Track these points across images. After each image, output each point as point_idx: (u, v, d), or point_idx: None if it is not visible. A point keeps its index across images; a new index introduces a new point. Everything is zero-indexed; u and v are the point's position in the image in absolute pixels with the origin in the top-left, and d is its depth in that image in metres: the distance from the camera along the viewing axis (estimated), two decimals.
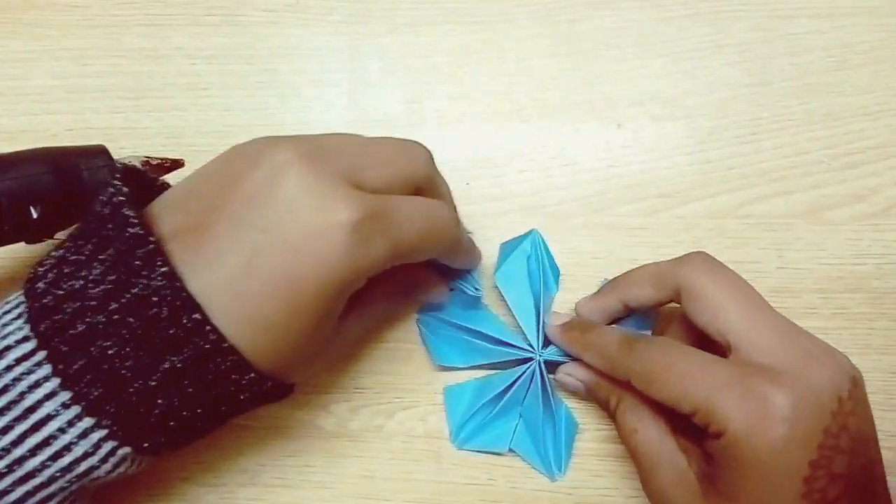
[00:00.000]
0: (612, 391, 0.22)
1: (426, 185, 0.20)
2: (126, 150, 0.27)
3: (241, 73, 0.28)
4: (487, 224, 0.27)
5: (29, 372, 0.16)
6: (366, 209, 0.17)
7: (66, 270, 0.17)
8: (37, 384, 0.16)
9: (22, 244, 0.22)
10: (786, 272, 0.26)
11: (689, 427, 0.20)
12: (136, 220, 0.17)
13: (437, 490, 0.25)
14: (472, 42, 0.28)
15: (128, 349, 0.16)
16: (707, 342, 0.20)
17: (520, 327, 0.24)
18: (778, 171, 0.27)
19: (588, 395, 0.23)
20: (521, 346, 0.24)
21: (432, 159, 0.21)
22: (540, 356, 0.24)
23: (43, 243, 0.23)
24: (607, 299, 0.24)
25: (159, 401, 0.17)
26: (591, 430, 0.25)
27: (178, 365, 0.17)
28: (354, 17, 0.28)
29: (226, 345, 0.17)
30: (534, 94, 0.28)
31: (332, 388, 0.26)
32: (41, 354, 0.16)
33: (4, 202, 0.21)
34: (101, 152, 0.23)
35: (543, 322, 0.24)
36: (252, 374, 0.17)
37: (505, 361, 0.24)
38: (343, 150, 0.18)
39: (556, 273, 0.26)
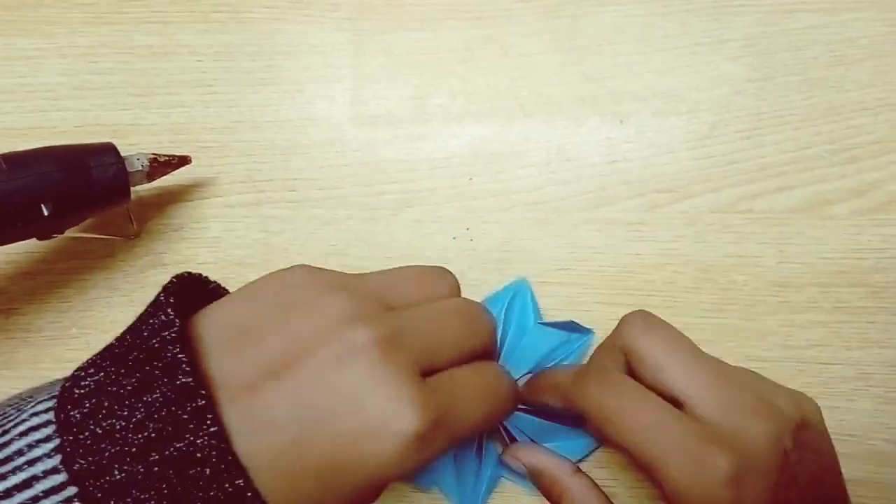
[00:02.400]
0: (554, 482, 0.22)
1: (488, 349, 0.19)
2: (134, 146, 0.27)
3: (247, 69, 0.28)
4: (489, 220, 0.27)
5: None
6: (431, 415, 0.16)
7: (105, 403, 0.16)
8: None
9: (33, 240, 0.23)
10: (787, 267, 0.26)
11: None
12: (188, 368, 0.15)
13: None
14: (475, 38, 0.28)
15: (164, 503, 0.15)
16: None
17: None
18: (779, 166, 0.27)
19: (531, 481, 0.23)
20: None
21: (496, 327, 0.20)
22: None
23: (54, 239, 0.24)
24: (528, 396, 0.23)
25: None
26: None
27: None
28: (358, 13, 0.29)
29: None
30: (536, 90, 0.28)
31: None
32: (72, 490, 0.15)
33: (16, 200, 0.21)
34: (109, 150, 0.24)
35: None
36: None
37: None
38: (418, 329, 0.17)
39: (528, 325, 0.25)
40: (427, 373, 0.17)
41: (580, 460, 0.24)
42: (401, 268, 0.20)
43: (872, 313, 0.26)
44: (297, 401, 0.16)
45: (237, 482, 0.15)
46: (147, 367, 0.16)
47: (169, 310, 0.16)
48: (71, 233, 0.24)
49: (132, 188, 0.24)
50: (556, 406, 0.22)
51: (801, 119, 0.27)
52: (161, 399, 0.15)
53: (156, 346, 0.16)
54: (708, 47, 0.28)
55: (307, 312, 0.17)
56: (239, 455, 0.15)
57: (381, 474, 0.16)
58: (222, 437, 0.15)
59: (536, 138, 0.27)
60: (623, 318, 0.21)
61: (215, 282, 0.19)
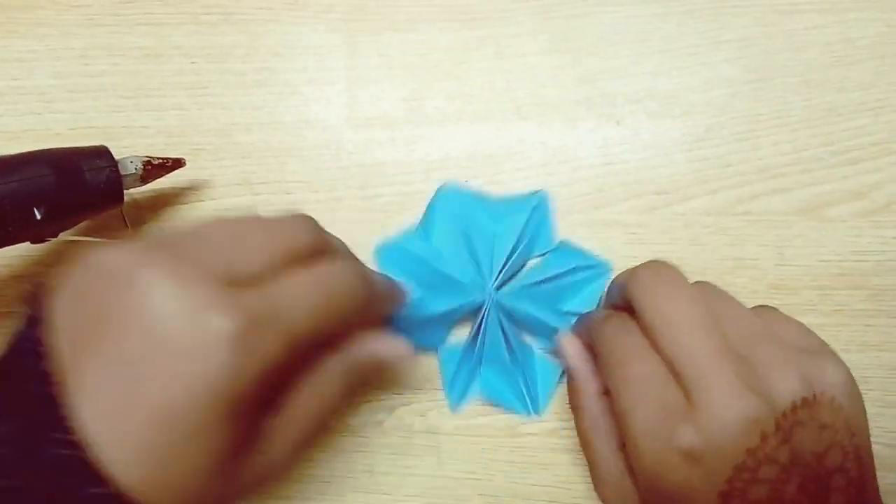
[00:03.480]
0: (578, 391, 0.23)
1: (315, 251, 0.18)
2: (128, 148, 0.27)
3: (240, 71, 0.28)
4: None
5: None
6: (244, 309, 0.15)
7: None
8: None
9: (27, 243, 0.23)
10: (785, 269, 0.26)
11: None
12: (47, 376, 0.15)
13: (436, 484, 0.25)
14: (470, 39, 0.28)
15: None
16: None
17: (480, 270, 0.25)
18: (777, 167, 0.27)
19: (567, 380, 0.24)
20: (467, 282, 0.24)
21: (316, 224, 0.19)
22: (491, 295, 0.25)
23: (48, 243, 0.24)
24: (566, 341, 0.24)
25: None
26: None
27: None
28: (352, 14, 0.28)
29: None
30: (532, 91, 0.28)
31: None
32: None
33: (8, 204, 0.21)
34: (102, 153, 0.24)
35: (507, 268, 0.25)
36: None
37: (464, 308, 0.25)
38: (210, 243, 0.16)
39: (548, 241, 0.26)
40: (235, 284, 0.15)
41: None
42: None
43: (871, 316, 0.26)
44: (110, 357, 0.15)
45: (94, 490, 0.14)
46: (10, 383, 0.15)
47: (25, 323, 0.16)
48: (65, 236, 0.24)
49: (126, 191, 0.24)
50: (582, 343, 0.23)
51: (799, 120, 0.27)
52: (23, 411, 0.15)
53: (15, 360, 0.16)
54: (705, 48, 0.27)
55: (99, 274, 0.16)
56: (98, 452, 0.14)
57: (218, 393, 0.15)
58: (74, 445, 0.14)
59: (532, 140, 0.27)
60: (634, 270, 0.21)
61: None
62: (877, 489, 0.19)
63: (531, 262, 0.26)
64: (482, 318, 0.24)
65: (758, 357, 0.19)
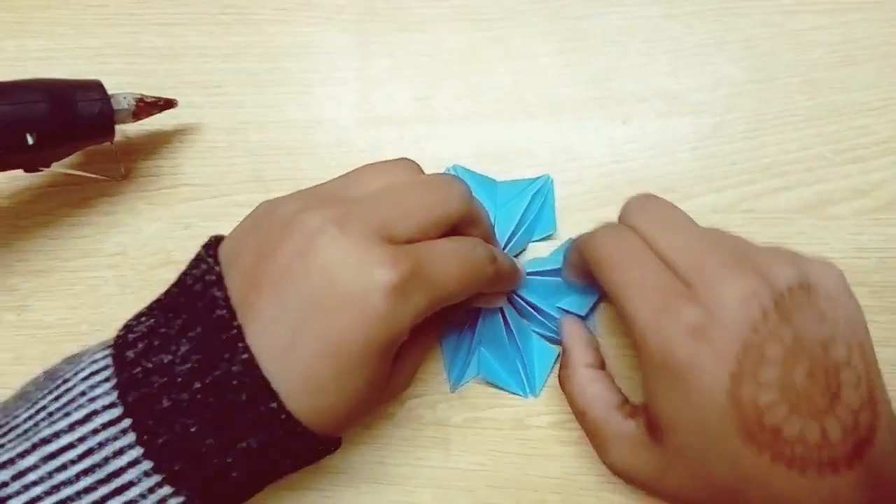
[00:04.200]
0: (565, 365, 0.23)
1: (463, 221, 0.20)
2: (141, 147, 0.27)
3: (254, 70, 0.29)
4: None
5: (115, 438, 0.17)
6: (402, 268, 0.17)
7: (155, 343, 0.18)
8: (121, 451, 0.17)
9: (20, 172, 0.23)
10: None
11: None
12: (223, 303, 0.17)
13: (446, 476, 0.26)
14: (479, 39, 0.28)
15: (208, 428, 0.17)
16: None
17: None
18: (781, 166, 0.27)
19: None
20: None
21: (468, 193, 0.20)
22: None
23: (41, 173, 0.24)
24: (568, 264, 0.24)
25: (234, 474, 0.18)
26: None
27: (255, 446, 0.17)
28: (364, 15, 0.29)
29: (299, 428, 0.18)
30: (540, 91, 0.28)
31: None
32: (127, 422, 0.17)
33: (1, 126, 0.22)
34: (95, 86, 0.24)
35: (506, 251, 0.25)
36: (320, 446, 0.19)
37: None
38: (374, 205, 0.18)
39: (549, 225, 0.26)
40: (393, 241, 0.18)
41: (586, 315, 0.25)
42: (360, 167, 0.21)
43: (874, 313, 0.26)
44: (279, 300, 0.17)
45: (271, 405, 0.17)
46: (191, 308, 0.18)
47: (209, 258, 0.18)
48: (57, 167, 0.25)
49: (118, 126, 0.25)
50: (581, 269, 0.23)
51: (803, 119, 0.27)
52: (202, 333, 0.17)
53: (198, 290, 0.18)
54: (711, 49, 0.28)
55: (272, 223, 0.19)
56: (270, 378, 0.17)
57: (377, 336, 0.17)
58: (252, 363, 0.17)
59: (540, 139, 0.28)
60: (627, 200, 0.22)
61: None
62: (888, 402, 0.19)
63: (533, 252, 0.27)
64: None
65: (753, 254, 0.19)
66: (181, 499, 0.18)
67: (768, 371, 0.18)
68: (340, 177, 0.21)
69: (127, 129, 0.28)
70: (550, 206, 0.27)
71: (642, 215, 0.21)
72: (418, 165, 0.21)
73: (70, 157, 0.25)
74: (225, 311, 0.17)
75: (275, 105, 0.28)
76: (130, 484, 0.17)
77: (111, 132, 0.25)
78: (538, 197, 0.26)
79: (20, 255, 0.28)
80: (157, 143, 0.28)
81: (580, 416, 0.23)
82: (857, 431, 0.18)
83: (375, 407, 0.21)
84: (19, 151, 0.22)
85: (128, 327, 0.19)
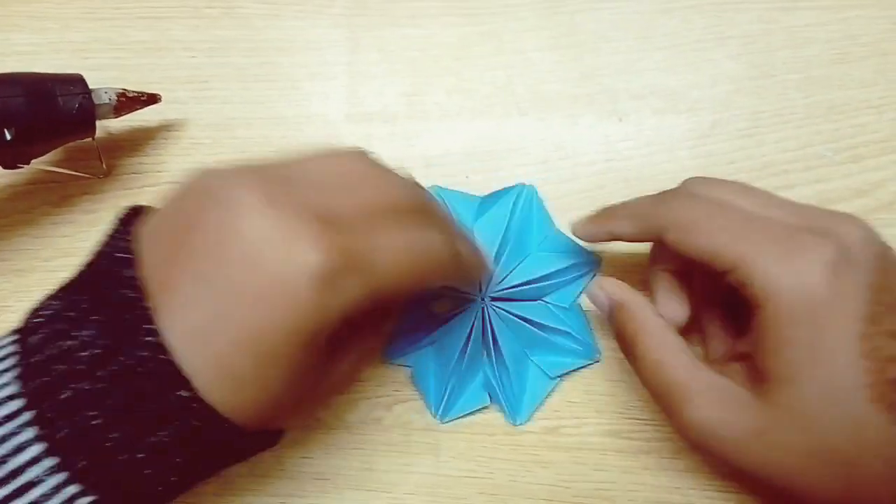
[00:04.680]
0: (631, 318, 0.20)
1: (414, 210, 0.18)
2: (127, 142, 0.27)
3: (241, 65, 0.28)
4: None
5: (14, 433, 0.15)
6: (337, 251, 0.15)
7: (59, 327, 0.16)
8: (22, 447, 0.15)
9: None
10: None
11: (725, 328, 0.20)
12: (132, 283, 0.16)
13: (436, 482, 0.25)
14: (471, 34, 0.28)
15: (114, 421, 0.15)
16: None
17: None
18: (780, 164, 0.26)
19: (609, 321, 0.22)
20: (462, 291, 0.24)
21: (419, 187, 0.19)
22: (484, 297, 0.24)
23: (21, 171, 0.23)
24: (595, 228, 0.22)
25: (147, 471, 0.16)
26: (590, 424, 0.25)
27: (167, 439, 0.16)
28: (353, 9, 0.28)
29: (215, 419, 0.16)
30: (533, 87, 0.28)
31: None
32: (28, 415, 0.15)
33: None
34: (77, 80, 0.24)
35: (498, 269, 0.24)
36: (244, 439, 0.17)
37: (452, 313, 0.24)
38: (312, 179, 0.17)
39: (545, 228, 0.26)
40: (332, 223, 0.16)
41: (569, 307, 0.25)
42: (314, 150, 0.19)
43: None
44: (201, 277, 0.16)
45: (180, 393, 0.15)
46: (98, 288, 0.16)
47: (118, 233, 0.17)
48: (37, 164, 0.24)
49: (99, 122, 0.24)
50: (625, 237, 0.21)
51: (802, 117, 0.27)
52: (108, 316, 0.16)
53: (104, 267, 0.16)
54: (708, 45, 0.27)
55: (200, 193, 0.17)
56: (183, 366, 0.15)
57: (302, 325, 0.15)
58: (160, 349, 0.15)
59: (533, 136, 0.27)
60: (683, 182, 0.21)
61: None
62: None
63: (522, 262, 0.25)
64: (473, 324, 0.24)
65: (840, 213, 0.19)
66: (91, 498, 0.16)
67: (892, 320, 0.16)
68: (289, 156, 0.18)
69: (109, 126, 0.27)
70: (540, 210, 0.26)
71: (711, 187, 0.20)
72: (373, 156, 0.19)
73: (50, 153, 0.25)
74: (131, 291, 0.15)
75: (262, 101, 0.28)
76: (32, 483, 0.15)
77: (92, 128, 0.24)
78: (521, 204, 0.25)
79: (0, 255, 0.27)
80: (140, 140, 0.28)
81: (655, 367, 0.19)
82: None
83: (316, 402, 0.19)
84: None
85: (34, 312, 0.17)
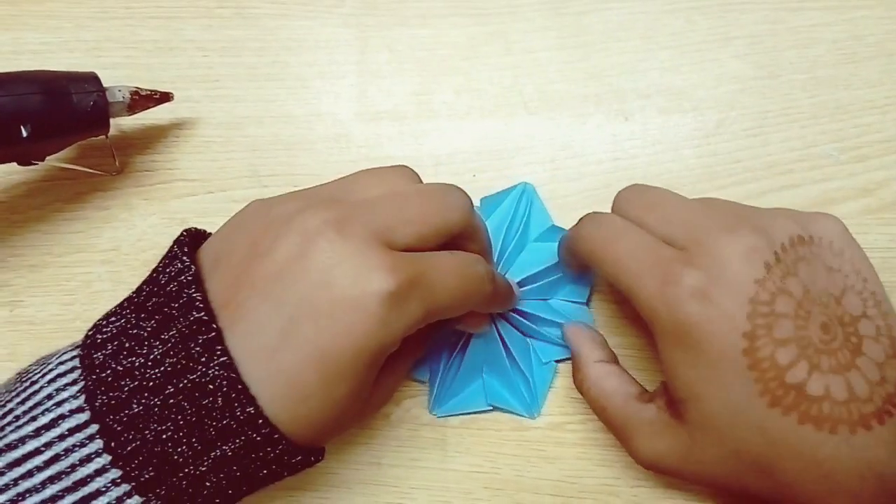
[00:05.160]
0: (577, 368, 0.23)
1: (462, 233, 0.20)
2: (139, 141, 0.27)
3: (252, 64, 0.28)
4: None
5: (81, 445, 0.16)
6: (400, 276, 0.16)
7: (126, 344, 0.17)
8: (88, 458, 0.16)
9: (14, 166, 0.23)
10: None
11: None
12: (201, 305, 0.17)
13: (443, 477, 0.25)
14: (479, 34, 0.28)
15: (181, 435, 0.16)
16: None
17: None
18: (785, 164, 0.27)
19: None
20: None
21: (469, 205, 0.20)
22: None
23: (35, 167, 0.24)
24: (562, 260, 0.24)
25: (207, 483, 0.17)
26: (594, 421, 0.25)
27: (229, 454, 0.17)
28: (363, 9, 0.29)
29: (276, 435, 0.17)
30: (541, 87, 0.28)
31: None
32: (94, 428, 0.16)
33: None
34: (91, 78, 0.24)
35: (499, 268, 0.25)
36: (299, 457, 0.18)
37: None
38: (374, 209, 0.18)
39: (545, 226, 0.26)
40: (392, 248, 0.17)
41: (587, 301, 0.25)
42: (359, 171, 0.20)
43: None
44: (271, 300, 0.16)
45: (248, 410, 0.16)
46: (165, 309, 0.17)
47: (184, 257, 0.18)
48: (52, 161, 0.24)
49: (113, 120, 0.24)
50: (574, 263, 0.23)
51: (807, 117, 0.27)
52: (177, 335, 0.16)
53: (173, 290, 0.17)
54: (714, 45, 0.28)
55: (267, 223, 0.18)
56: (248, 383, 0.16)
57: (369, 343, 0.16)
58: (231, 367, 0.16)
59: (540, 135, 0.27)
60: (617, 193, 0.22)
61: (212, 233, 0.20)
62: None
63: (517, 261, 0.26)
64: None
65: (749, 214, 0.19)
66: None
67: (782, 327, 0.17)
68: (338, 180, 0.20)
69: (122, 124, 0.28)
70: (539, 206, 0.26)
71: (631, 203, 0.21)
72: (417, 174, 0.21)
73: (64, 150, 0.25)
74: (203, 314, 0.16)
75: (273, 99, 0.28)
76: (98, 493, 0.16)
77: (106, 125, 0.24)
78: (522, 202, 0.26)
79: (13, 250, 0.28)
80: (152, 138, 0.28)
81: (601, 412, 0.22)
82: (885, 385, 0.17)
83: (355, 421, 0.20)
84: (13, 144, 0.22)
85: (97, 327, 0.18)
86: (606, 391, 0.22)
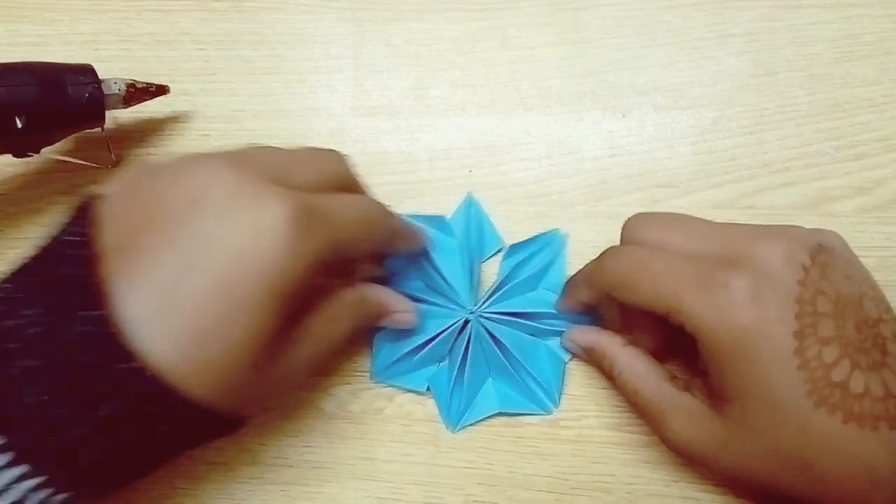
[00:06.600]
0: (605, 355, 0.23)
1: (349, 185, 0.21)
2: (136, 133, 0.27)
3: (248, 58, 0.28)
4: (489, 211, 0.27)
5: None
6: (299, 203, 0.17)
7: (3, 309, 0.16)
8: None
9: (10, 158, 0.23)
10: None
11: (681, 352, 0.21)
12: (83, 260, 0.16)
13: (435, 473, 0.25)
14: (476, 30, 0.28)
15: (60, 396, 0.15)
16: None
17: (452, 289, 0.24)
18: (782, 162, 0.27)
19: (589, 360, 0.24)
20: (449, 304, 0.24)
21: (349, 162, 0.21)
22: (473, 313, 0.24)
23: (31, 160, 0.24)
24: (568, 303, 0.24)
25: (99, 448, 0.16)
26: (590, 418, 0.25)
27: (117, 413, 0.16)
28: (359, 3, 0.29)
29: (166, 388, 0.16)
30: (537, 83, 0.28)
31: (334, 371, 0.26)
32: None
33: None
34: (87, 70, 0.24)
35: (477, 280, 0.25)
36: (202, 415, 0.17)
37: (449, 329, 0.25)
38: (266, 157, 0.19)
39: (495, 241, 0.26)
40: (288, 184, 0.17)
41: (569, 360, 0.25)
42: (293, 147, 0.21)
43: None
44: (169, 239, 0.16)
45: (128, 363, 0.15)
46: (48, 269, 0.16)
47: (70, 221, 0.17)
48: (47, 153, 0.24)
49: (109, 112, 0.24)
50: (590, 301, 0.23)
51: (804, 115, 0.27)
52: (55, 293, 0.16)
53: (56, 251, 0.17)
54: (711, 42, 0.27)
55: (165, 170, 0.18)
56: (139, 334, 0.15)
57: (272, 270, 0.16)
58: (106, 321, 0.15)
59: (537, 131, 0.27)
60: (625, 222, 0.22)
61: None
62: None
63: (492, 266, 0.26)
64: (469, 335, 0.24)
65: (767, 228, 0.20)
66: (41, 479, 0.16)
67: (825, 326, 0.17)
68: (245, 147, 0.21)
69: (118, 116, 0.27)
70: (488, 222, 0.26)
71: (648, 226, 0.21)
72: (343, 157, 0.22)
73: (60, 143, 0.25)
74: (80, 269, 0.16)
75: (269, 93, 0.28)
76: None
77: (102, 118, 0.24)
78: (473, 217, 0.26)
79: (8, 242, 0.28)
80: (149, 131, 0.28)
81: (633, 395, 0.22)
82: None
83: (279, 385, 0.19)
84: (8, 135, 0.22)
85: None
86: (639, 373, 0.22)
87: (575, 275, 0.24)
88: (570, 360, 0.25)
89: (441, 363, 0.25)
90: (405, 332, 0.25)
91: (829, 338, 0.17)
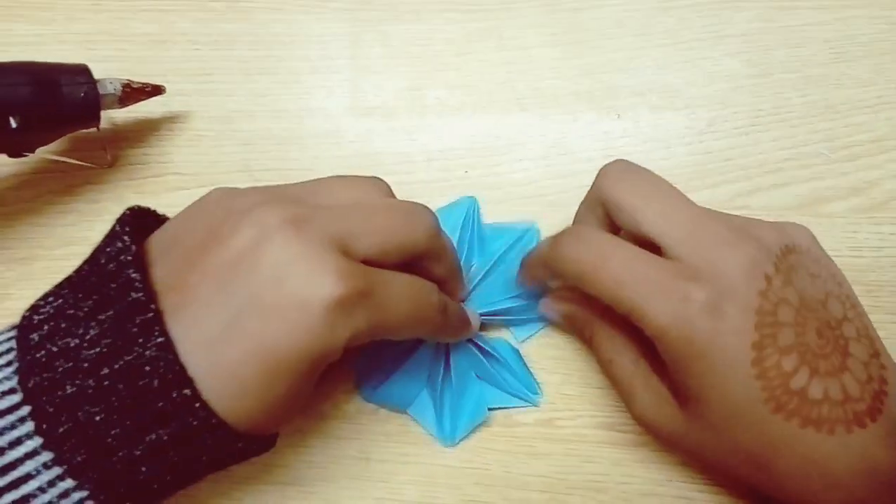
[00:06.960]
0: (585, 323, 0.23)
1: (427, 253, 0.20)
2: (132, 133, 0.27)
3: (245, 58, 0.28)
4: (484, 212, 0.27)
5: (11, 427, 0.16)
6: (352, 285, 0.16)
7: (62, 325, 0.17)
8: (19, 441, 0.16)
9: (5, 158, 0.23)
10: None
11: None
12: (140, 285, 0.16)
13: (432, 472, 0.25)
14: (472, 30, 0.28)
15: (115, 417, 0.16)
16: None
17: None
18: (776, 162, 0.27)
19: (568, 328, 0.24)
20: None
21: (437, 226, 0.20)
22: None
23: (26, 159, 0.24)
24: (526, 280, 0.24)
25: (143, 468, 0.17)
26: (584, 417, 0.25)
27: (165, 438, 0.16)
28: (356, 4, 0.29)
29: (214, 420, 0.16)
30: (534, 83, 0.28)
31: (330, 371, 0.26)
32: (26, 409, 0.16)
33: None
34: (82, 70, 0.24)
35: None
36: (239, 443, 0.17)
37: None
38: (337, 215, 0.18)
39: (484, 245, 0.26)
40: (349, 256, 0.17)
41: (526, 339, 0.25)
42: (331, 176, 0.20)
43: (868, 312, 0.25)
44: (221, 288, 0.16)
45: (184, 392, 0.16)
46: (103, 289, 0.17)
47: (125, 237, 0.17)
48: (42, 153, 0.24)
49: (104, 112, 0.24)
50: (545, 278, 0.22)
51: (799, 116, 0.27)
52: (113, 316, 0.16)
53: (112, 269, 0.17)
54: (707, 43, 0.28)
55: (227, 212, 0.18)
56: (186, 365, 0.16)
57: (312, 347, 0.16)
58: (168, 348, 0.16)
59: (533, 132, 0.27)
60: (601, 168, 0.21)
61: (164, 214, 0.20)
62: (885, 349, 0.19)
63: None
64: (447, 347, 0.24)
65: (739, 223, 0.19)
66: (85, 493, 0.16)
67: (785, 335, 0.18)
68: (308, 181, 0.20)
69: (114, 116, 0.27)
70: (479, 226, 0.26)
71: (621, 188, 0.20)
72: (389, 187, 0.20)
73: (55, 143, 0.25)
74: (141, 295, 0.16)
75: (265, 94, 0.28)
76: (28, 477, 0.16)
77: (97, 118, 0.24)
78: (468, 222, 0.25)
79: (3, 242, 0.28)
80: (144, 131, 0.28)
81: (608, 364, 0.22)
82: (872, 383, 0.18)
83: (297, 416, 0.20)
84: (3, 134, 0.22)
85: (34, 308, 0.17)
86: (617, 347, 0.22)
87: (530, 255, 0.23)
88: (544, 327, 0.25)
89: (423, 383, 0.25)
90: (387, 346, 0.24)
91: (788, 346, 0.17)
